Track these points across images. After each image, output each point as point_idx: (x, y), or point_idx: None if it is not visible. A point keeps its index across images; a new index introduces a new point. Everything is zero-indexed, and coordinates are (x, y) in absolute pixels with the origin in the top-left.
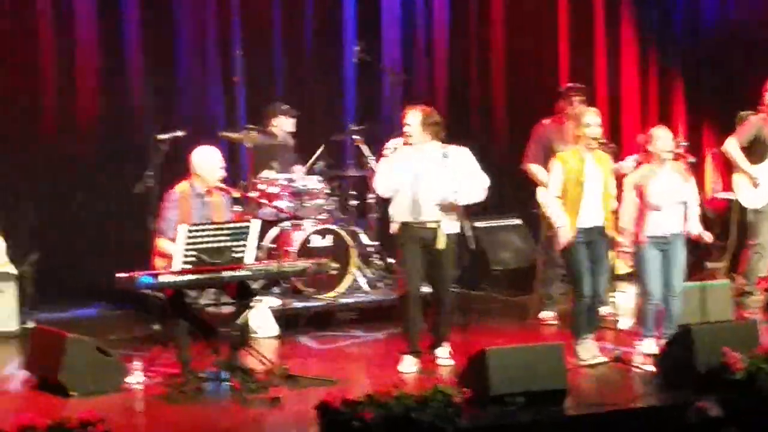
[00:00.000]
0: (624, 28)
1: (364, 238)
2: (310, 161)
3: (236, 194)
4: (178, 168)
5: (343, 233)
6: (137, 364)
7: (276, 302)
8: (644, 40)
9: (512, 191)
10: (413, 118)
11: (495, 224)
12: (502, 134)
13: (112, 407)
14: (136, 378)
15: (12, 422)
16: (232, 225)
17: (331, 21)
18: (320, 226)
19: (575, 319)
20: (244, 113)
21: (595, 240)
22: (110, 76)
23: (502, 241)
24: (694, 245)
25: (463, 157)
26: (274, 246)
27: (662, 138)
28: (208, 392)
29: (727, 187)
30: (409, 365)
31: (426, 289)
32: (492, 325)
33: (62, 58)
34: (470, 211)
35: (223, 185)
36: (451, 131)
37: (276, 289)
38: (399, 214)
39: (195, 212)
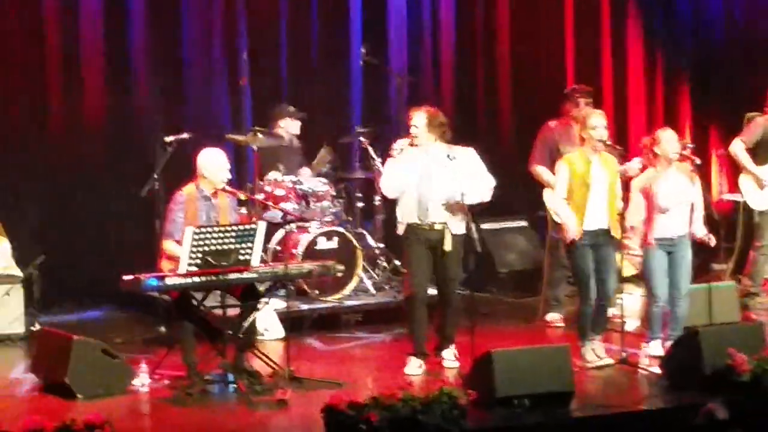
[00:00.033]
0: (630, 29)
1: (370, 240)
2: (315, 161)
3: (242, 196)
4: (184, 170)
5: (349, 235)
6: (143, 367)
7: (281, 305)
8: (650, 42)
9: (518, 193)
10: (419, 119)
11: (501, 226)
12: (508, 136)
13: (118, 410)
14: (142, 380)
15: (18, 425)
16: (238, 227)
17: (338, 23)
18: (326, 228)
19: (581, 322)
20: (250, 115)
21: (600, 242)
22: (116, 78)
23: (508, 243)
24: (699, 247)
25: (468, 158)
26: (280, 248)
27: (668, 140)
28: (214, 395)
29: (734, 188)
30: (414, 367)
31: (432, 291)
32: (498, 327)
33: (68, 59)
34: (476, 213)
35: (228, 187)
36: (458, 133)
37: (279, 292)
38: (405, 216)
39: (201, 214)
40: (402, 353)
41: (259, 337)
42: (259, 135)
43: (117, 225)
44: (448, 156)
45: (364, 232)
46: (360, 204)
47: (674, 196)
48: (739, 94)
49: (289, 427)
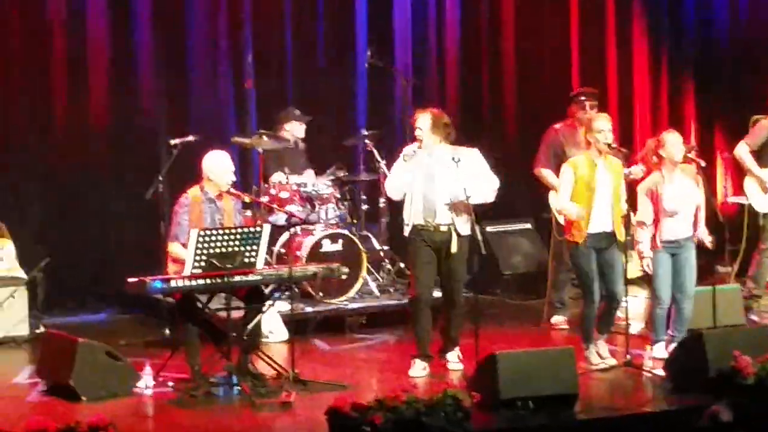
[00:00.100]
0: (635, 31)
1: (375, 243)
2: (327, 173)
3: (247, 199)
4: (188, 173)
5: (353, 238)
6: (147, 369)
7: (285, 307)
8: (655, 44)
9: (523, 196)
10: (423, 121)
11: (506, 228)
12: (514, 139)
13: (122, 412)
14: (146, 382)
15: (23, 426)
16: (243, 230)
17: (343, 26)
18: (331, 231)
19: (584, 324)
20: (255, 118)
21: (605, 246)
22: (121, 80)
23: (512, 245)
24: (703, 249)
25: (473, 158)
26: (285, 251)
27: (673, 143)
28: (218, 397)
29: (739, 191)
30: (419, 369)
31: (437, 293)
32: (502, 329)
33: (73, 61)
34: (480, 215)
35: (233, 190)
36: (462, 136)
37: (280, 294)
38: (411, 217)
39: (206, 217)
40: (406, 355)
41: (263, 340)
42: (265, 138)
43: (121, 227)
44: (453, 158)
45: (369, 234)
46: (365, 206)
47: (680, 199)
48: (743, 95)
49: (293, 429)
